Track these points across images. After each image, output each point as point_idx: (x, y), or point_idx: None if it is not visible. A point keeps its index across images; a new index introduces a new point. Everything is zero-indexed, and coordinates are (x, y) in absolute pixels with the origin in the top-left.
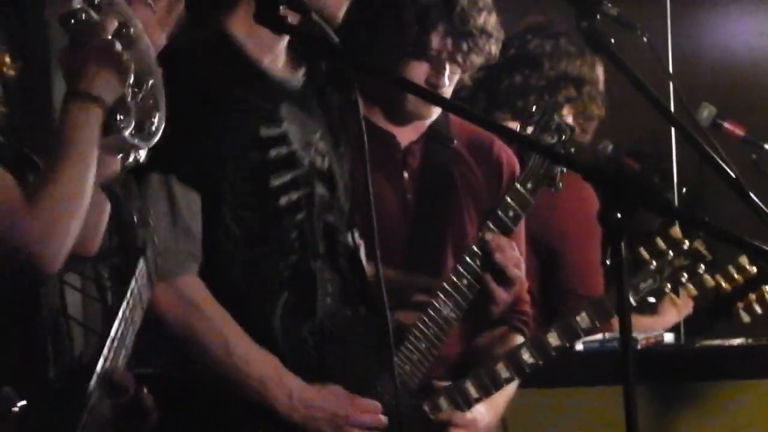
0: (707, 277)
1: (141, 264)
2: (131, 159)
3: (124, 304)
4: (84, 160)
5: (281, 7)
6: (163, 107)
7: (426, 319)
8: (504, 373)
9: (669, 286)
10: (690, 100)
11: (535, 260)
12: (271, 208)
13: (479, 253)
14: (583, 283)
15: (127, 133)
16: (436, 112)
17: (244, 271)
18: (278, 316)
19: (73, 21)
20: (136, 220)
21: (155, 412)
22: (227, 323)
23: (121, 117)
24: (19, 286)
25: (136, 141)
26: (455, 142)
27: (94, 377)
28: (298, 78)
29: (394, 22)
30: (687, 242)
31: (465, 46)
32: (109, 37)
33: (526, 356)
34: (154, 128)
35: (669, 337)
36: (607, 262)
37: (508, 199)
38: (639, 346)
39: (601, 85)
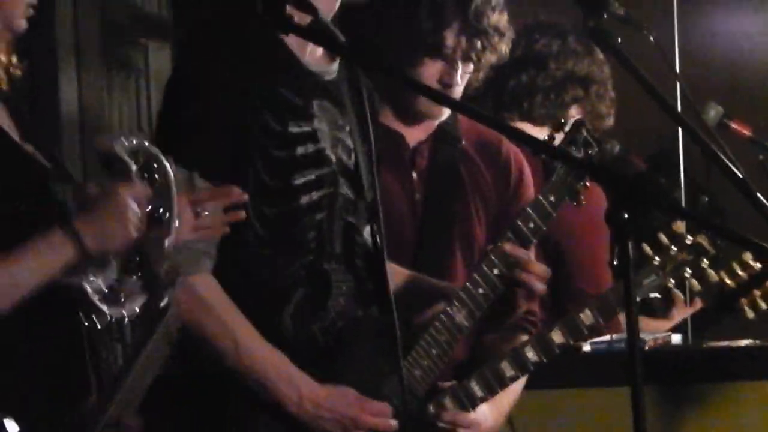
0: (711, 272)
1: (161, 326)
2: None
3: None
4: (25, 278)
5: (287, 7)
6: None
7: (438, 325)
8: (509, 372)
9: (672, 281)
10: (697, 100)
11: (542, 259)
12: (291, 206)
13: (497, 263)
14: (591, 281)
15: (87, 287)
16: (446, 111)
17: (260, 268)
18: (290, 314)
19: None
20: (163, 279)
21: None
22: (238, 322)
23: (93, 276)
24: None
25: (95, 300)
26: (463, 141)
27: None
28: (333, 69)
29: (409, 20)
30: (690, 237)
31: (479, 45)
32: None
33: (531, 354)
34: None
35: (676, 338)
36: (614, 262)
37: (529, 210)
38: (646, 347)
39: (610, 85)
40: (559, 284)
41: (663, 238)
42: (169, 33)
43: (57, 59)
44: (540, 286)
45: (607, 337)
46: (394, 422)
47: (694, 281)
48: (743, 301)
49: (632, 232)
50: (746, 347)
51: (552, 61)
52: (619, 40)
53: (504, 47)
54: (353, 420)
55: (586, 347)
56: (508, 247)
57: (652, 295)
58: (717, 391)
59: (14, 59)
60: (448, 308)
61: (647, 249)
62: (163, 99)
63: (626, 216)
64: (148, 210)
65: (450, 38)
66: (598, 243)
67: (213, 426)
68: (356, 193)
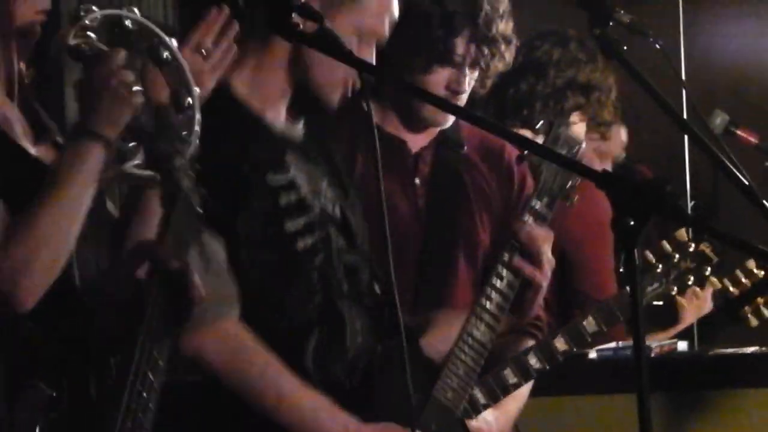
0: (714, 279)
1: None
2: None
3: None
4: (71, 201)
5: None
6: (198, 128)
7: (461, 345)
8: (511, 379)
9: (675, 288)
10: (703, 108)
11: None
12: (289, 252)
13: (503, 274)
14: (596, 287)
15: (132, 164)
16: (451, 119)
17: (271, 316)
18: (310, 357)
19: (81, 54)
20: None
21: None
22: (275, 366)
23: (131, 146)
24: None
25: (146, 172)
26: (466, 147)
27: None
28: (298, 130)
29: (420, 28)
30: (693, 244)
31: (488, 52)
32: (118, 66)
33: (533, 361)
34: (188, 146)
35: (683, 345)
36: (621, 270)
37: (527, 217)
38: (652, 354)
39: (614, 92)
40: (565, 290)
41: (666, 245)
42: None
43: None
44: (543, 279)
45: (613, 344)
46: None
47: (697, 289)
48: (747, 308)
49: (639, 240)
50: (752, 354)
51: (552, 69)
52: (625, 47)
53: (510, 55)
54: None
55: (592, 354)
56: (515, 262)
57: (656, 302)
58: (723, 399)
59: (23, 66)
60: (468, 327)
61: (650, 256)
62: None
63: (632, 223)
64: (168, 93)
65: (461, 46)
66: (603, 249)
67: None
68: (348, 240)
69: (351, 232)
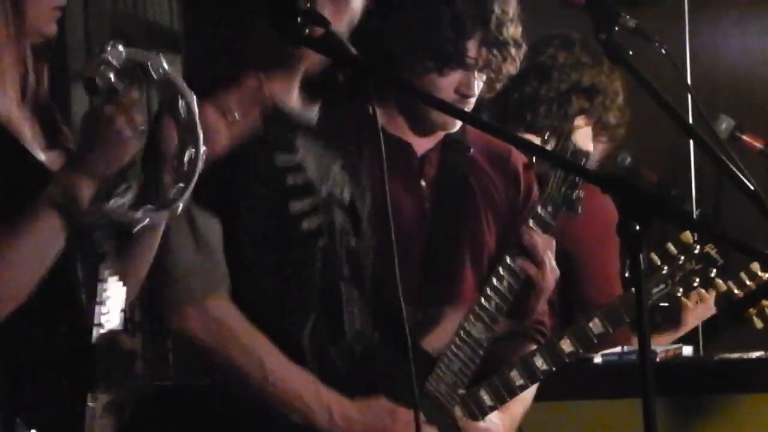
0: (719, 281)
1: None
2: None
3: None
4: (43, 234)
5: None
6: (194, 180)
7: (457, 341)
8: (518, 381)
9: (681, 290)
10: (708, 112)
11: None
12: (292, 234)
13: (505, 276)
14: (601, 291)
15: (118, 203)
16: (459, 122)
17: (271, 296)
18: (307, 338)
19: (94, 87)
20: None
21: None
22: (261, 343)
23: (121, 188)
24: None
25: (138, 214)
26: (472, 150)
27: None
28: (312, 113)
29: (431, 31)
30: (698, 246)
31: (499, 55)
32: (128, 106)
33: (540, 362)
34: (171, 196)
35: (688, 350)
36: (626, 274)
37: (531, 223)
38: (658, 359)
39: (620, 95)
40: (570, 294)
41: (671, 247)
42: (181, 45)
43: (69, 71)
44: (548, 284)
45: (618, 349)
46: (431, 429)
47: (703, 291)
48: (751, 311)
49: (644, 244)
50: (758, 359)
51: (555, 73)
52: (630, 52)
53: (519, 58)
54: (386, 430)
55: (597, 358)
56: (519, 263)
57: (661, 304)
58: (728, 403)
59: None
60: (465, 324)
61: (655, 258)
62: None
63: (637, 227)
64: (176, 146)
65: (472, 49)
66: (608, 253)
67: None
68: (354, 225)
69: (357, 217)
